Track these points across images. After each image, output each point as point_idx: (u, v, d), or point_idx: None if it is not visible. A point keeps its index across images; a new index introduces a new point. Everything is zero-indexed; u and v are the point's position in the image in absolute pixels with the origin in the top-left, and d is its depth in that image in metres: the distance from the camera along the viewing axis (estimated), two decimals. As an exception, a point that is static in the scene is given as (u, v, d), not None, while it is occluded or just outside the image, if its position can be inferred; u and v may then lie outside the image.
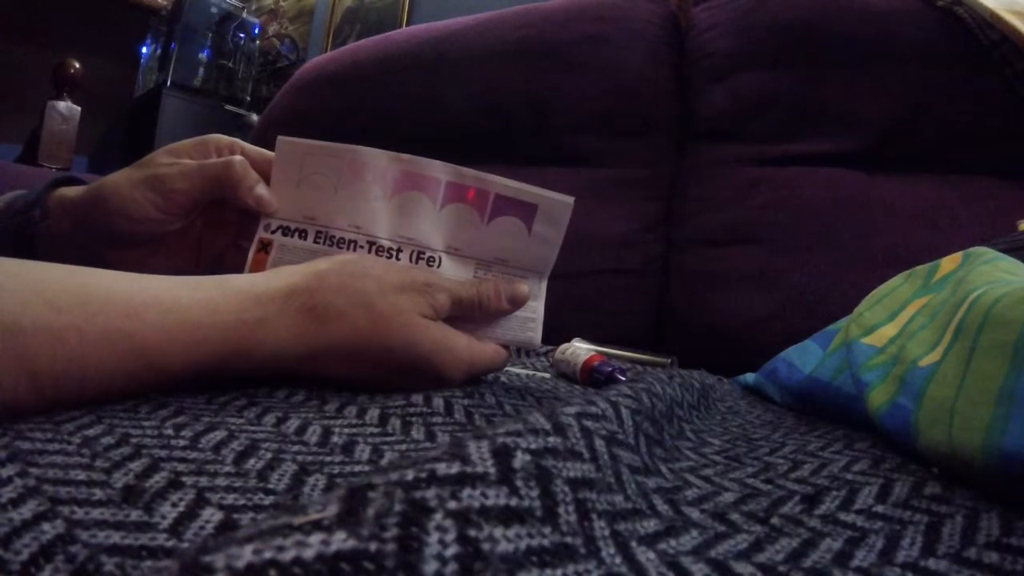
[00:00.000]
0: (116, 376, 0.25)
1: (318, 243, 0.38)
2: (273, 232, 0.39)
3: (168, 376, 0.27)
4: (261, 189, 0.38)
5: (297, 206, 0.39)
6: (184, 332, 0.26)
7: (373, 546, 0.11)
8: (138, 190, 0.36)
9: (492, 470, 0.14)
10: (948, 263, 0.40)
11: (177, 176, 0.36)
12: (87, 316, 0.24)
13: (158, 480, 0.19)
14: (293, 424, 0.25)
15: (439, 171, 0.38)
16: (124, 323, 0.25)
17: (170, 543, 0.16)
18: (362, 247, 0.38)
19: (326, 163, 0.38)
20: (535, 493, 0.14)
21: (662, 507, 0.21)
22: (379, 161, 0.38)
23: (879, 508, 0.21)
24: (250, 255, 0.38)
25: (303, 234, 0.39)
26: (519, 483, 0.14)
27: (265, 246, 0.38)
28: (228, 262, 0.41)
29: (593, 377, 0.49)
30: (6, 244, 0.36)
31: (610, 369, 0.49)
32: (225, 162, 0.37)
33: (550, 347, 0.58)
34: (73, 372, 0.24)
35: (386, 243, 0.38)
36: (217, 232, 0.41)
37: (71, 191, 0.38)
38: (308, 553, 0.10)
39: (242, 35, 2.71)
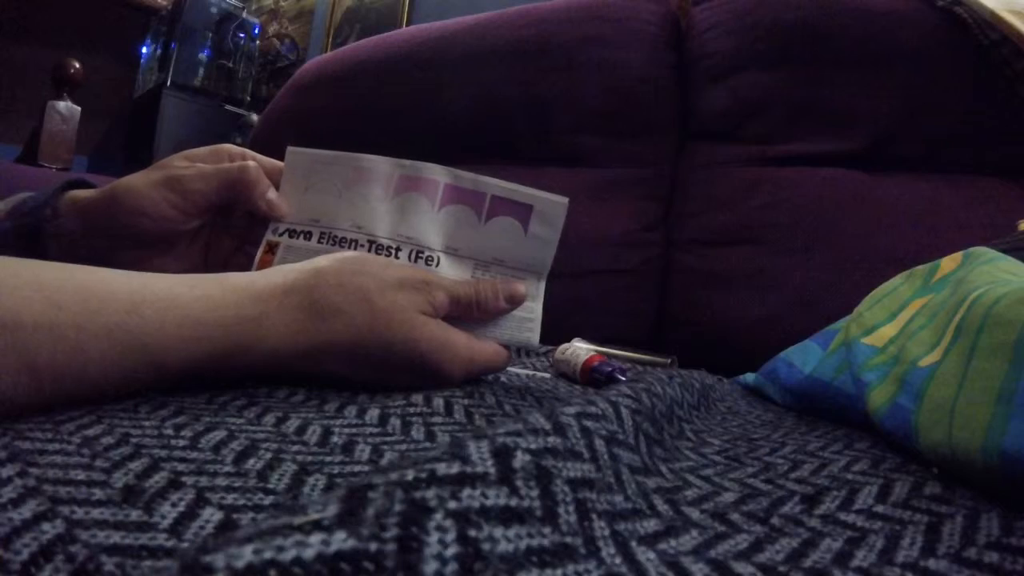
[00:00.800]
0: (116, 372, 0.25)
1: (322, 243, 0.40)
2: (280, 235, 0.40)
3: (168, 373, 0.27)
4: (272, 194, 0.40)
5: (304, 211, 0.40)
6: (184, 329, 0.26)
7: (373, 546, 0.11)
8: (156, 190, 0.37)
9: (492, 470, 0.14)
10: (948, 263, 0.40)
11: (196, 177, 0.38)
12: (87, 313, 0.24)
13: (158, 480, 0.19)
14: (293, 424, 0.25)
15: (438, 174, 0.40)
16: (124, 319, 0.25)
17: (170, 543, 0.16)
18: (363, 246, 0.39)
19: (332, 171, 0.40)
20: (535, 493, 0.14)
21: (662, 507, 0.21)
22: (382, 167, 0.40)
23: (879, 508, 0.21)
24: (257, 256, 0.40)
25: (308, 235, 0.40)
26: (519, 483, 0.14)
27: (272, 248, 0.40)
28: (233, 267, 0.42)
29: (593, 377, 0.49)
30: (15, 243, 0.37)
31: (610, 369, 0.49)
32: (241, 166, 0.39)
33: (550, 347, 0.58)
34: (73, 368, 0.24)
35: (385, 242, 0.39)
36: (224, 237, 0.42)
37: (83, 193, 0.39)
38: (308, 553, 0.10)
39: (242, 35, 2.71)
